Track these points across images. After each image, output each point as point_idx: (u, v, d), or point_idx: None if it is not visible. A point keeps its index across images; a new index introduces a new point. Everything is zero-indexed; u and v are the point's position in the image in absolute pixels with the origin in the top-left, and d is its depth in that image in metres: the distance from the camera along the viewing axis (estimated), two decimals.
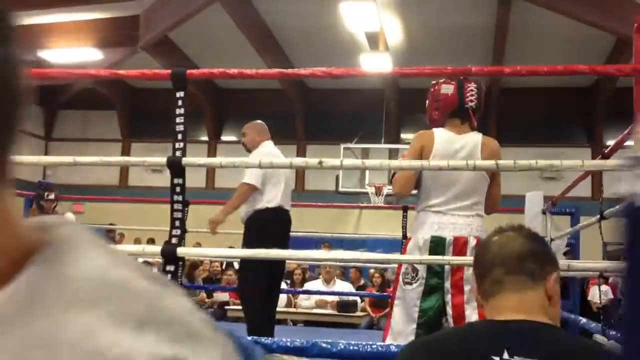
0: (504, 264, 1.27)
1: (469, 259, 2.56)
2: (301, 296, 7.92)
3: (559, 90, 13.05)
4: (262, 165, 2.69)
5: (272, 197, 4.48)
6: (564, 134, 13.69)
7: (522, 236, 1.32)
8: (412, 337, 2.59)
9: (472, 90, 2.78)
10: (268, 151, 4.61)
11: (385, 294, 7.77)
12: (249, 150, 4.72)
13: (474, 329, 1.31)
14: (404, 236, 6.20)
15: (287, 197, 4.60)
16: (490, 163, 2.59)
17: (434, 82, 2.87)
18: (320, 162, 2.63)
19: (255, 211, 4.40)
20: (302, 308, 7.83)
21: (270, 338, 2.44)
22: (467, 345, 1.18)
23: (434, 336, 1.33)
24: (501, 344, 1.15)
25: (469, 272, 2.59)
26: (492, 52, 11.15)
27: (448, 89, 2.78)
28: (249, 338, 2.53)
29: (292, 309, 7.78)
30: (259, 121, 4.85)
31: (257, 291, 4.36)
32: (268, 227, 4.41)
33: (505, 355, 1.13)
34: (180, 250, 2.72)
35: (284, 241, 4.50)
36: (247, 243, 4.24)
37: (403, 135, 14.21)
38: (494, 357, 1.13)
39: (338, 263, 7.35)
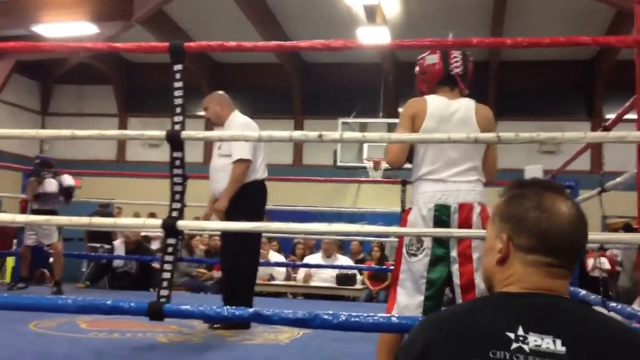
0: (575, 250, 1.20)
1: (476, 231, 2.54)
2: (299, 270, 7.95)
3: (558, 63, 12.98)
4: (261, 138, 2.67)
5: (259, 169, 4.45)
6: (563, 107, 13.65)
7: (580, 212, 1.23)
8: (420, 310, 2.54)
9: (455, 57, 2.77)
10: (245, 122, 4.49)
11: (384, 267, 7.80)
12: (215, 124, 4.61)
13: (486, 303, 1.22)
14: (403, 210, 6.20)
15: (266, 167, 4.57)
16: (492, 135, 2.57)
17: (419, 57, 2.87)
18: (320, 135, 2.62)
19: (243, 185, 4.33)
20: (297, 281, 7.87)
21: (272, 309, 2.45)
22: (479, 321, 1.12)
23: (445, 311, 1.26)
24: (516, 318, 1.10)
25: (477, 240, 2.55)
26: (491, 24, 11.07)
27: (433, 59, 2.78)
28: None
29: (291, 282, 7.81)
30: (219, 92, 4.69)
31: (241, 263, 4.37)
32: (256, 199, 4.43)
33: (520, 331, 1.09)
34: (180, 224, 2.72)
35: (263, 212, 4.53)
36: (234, 216, 4.09)
37: (401, 110, 14.15)
38: (508, 334, 1.08)
39: (338, 237, 7.37)
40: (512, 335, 1.08)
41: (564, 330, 1.09)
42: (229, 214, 4.27)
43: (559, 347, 1.07)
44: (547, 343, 1.07)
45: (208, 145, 12.25)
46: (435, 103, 2.70)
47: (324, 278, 7.68)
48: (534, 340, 1.07)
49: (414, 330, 1.20)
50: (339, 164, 12.31)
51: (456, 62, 2.76)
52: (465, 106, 2.72)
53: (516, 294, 1.18)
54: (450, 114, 2.68)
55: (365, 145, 11.83)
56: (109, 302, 2.54)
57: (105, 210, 10.80)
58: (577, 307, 1.17)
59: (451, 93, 2.75)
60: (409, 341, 1.18)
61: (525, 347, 1.07)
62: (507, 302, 1.17)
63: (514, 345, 1.07)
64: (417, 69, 2.86)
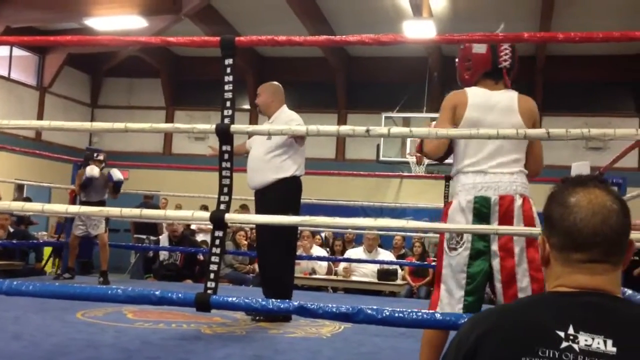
0: (606, 242, 1.16)
1: (525, 229, 2.48)
2: (340, 264, 7.97)
3: (606, 58, 12.66)
4: (309, 132, 2.69)
5: (300, 165, 4.53)
6: (610, 103, 13.32)
7: (616, 203, 1.19)
8: (460, 305, 2.49)
9: (505, 49, 2.65)
10: (296, 117, 4.59)
11: (425, 263, 7.76)
12: (262, 113, 4.77)
13: (537, 301, 1.22)
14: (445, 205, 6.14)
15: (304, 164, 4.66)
16: (541, 131, 2.52)
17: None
18: (367, 130, 2.62)
19: (283, 179, 4.42)
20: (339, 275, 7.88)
21: (316, 303, 2.47)
22: (529, 319, 1.12)
23: (496, 308, 1.25)
24: (566, 317, 1.10)
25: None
26: (540, 16, 10.83)
27: (480, 47, 2.66)
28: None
29: (332, 277, 7.84)
30: (275, 83, 4.81)
31: (278, 256, 4.43)
32: (293, 194, 4.50)
33: (571, 330, 1.07)
34: (228, 217, 2.75)
35: (299, 207, 4.58)
36: (269, 209, 4.14)
37: None
38: (558, 332, 1.08)
39: (381, 232, 7.36)
40: (562, 334, 1.07)
41: (615, 330, 1.07)
42: (265, 208, 4.33)
43: (610, 348, 1.05)
44: (598, 343, 1.06)
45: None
46: (476, 94, 2.63)
47: (365, 273, 7.68)
48: (585, 339, 1.06)
49: (465, 326, 1.20)
50: (381, 158, 12.28)
51: (505, 54, 2.65)
52: (508, 97, 2.63)
53: (566, 293, 1.17)
54: (491, 105, 2.60)
55: (409, 140, 11.76)
56: (157, 293, 2.59)
57: (150, 201, 10.99)
58: (628, 307, 1.15)
59: (494, 86, 2.65)
60: (459, 336, 1.18)
61: (575, 346, 1.06)
62: (557, 301, 1.16)
63: (564, 344, 1.06)
64: (460, 54, 2.75)
